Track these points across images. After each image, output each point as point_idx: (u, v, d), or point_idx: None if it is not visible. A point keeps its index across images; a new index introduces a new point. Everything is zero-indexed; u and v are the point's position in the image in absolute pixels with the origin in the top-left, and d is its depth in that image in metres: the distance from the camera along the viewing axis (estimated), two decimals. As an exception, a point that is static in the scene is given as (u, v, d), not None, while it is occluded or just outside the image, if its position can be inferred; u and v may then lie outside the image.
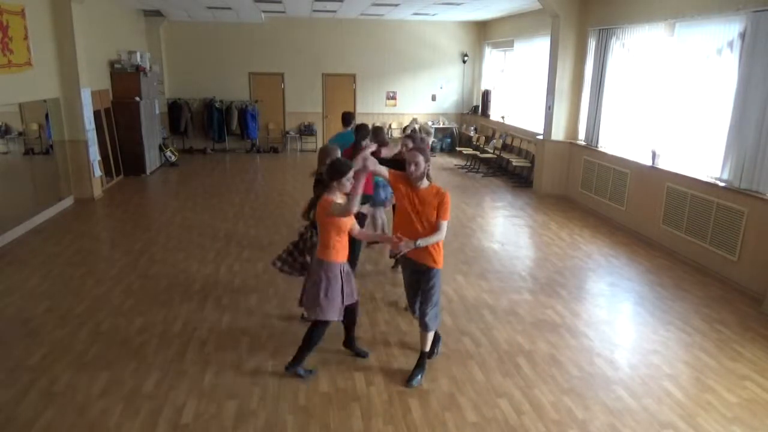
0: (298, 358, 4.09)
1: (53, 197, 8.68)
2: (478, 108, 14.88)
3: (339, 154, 4.63)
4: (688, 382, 4.16)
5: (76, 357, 4.34)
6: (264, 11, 12.84)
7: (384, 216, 6.85)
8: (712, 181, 6.43)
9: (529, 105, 11.75)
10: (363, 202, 4.60)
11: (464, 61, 15.08)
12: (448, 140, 15.16)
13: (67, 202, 8.91)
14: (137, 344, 4.55)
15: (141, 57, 11.35)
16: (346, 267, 4.02)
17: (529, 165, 11.19)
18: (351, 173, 3.78)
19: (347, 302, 4.03)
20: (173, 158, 12.73)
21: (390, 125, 14.96)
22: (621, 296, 5.79)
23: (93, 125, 9.27)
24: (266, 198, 9.66)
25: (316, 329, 4.05)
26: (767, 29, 5.61)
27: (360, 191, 3.67)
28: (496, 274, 6.27)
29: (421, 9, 12.19)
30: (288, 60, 14.44)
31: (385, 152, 5.62)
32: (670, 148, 7.33)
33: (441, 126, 15.09)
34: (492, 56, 14.47)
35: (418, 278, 4.04)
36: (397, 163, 4.46)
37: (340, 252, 3.90)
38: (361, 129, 5.95)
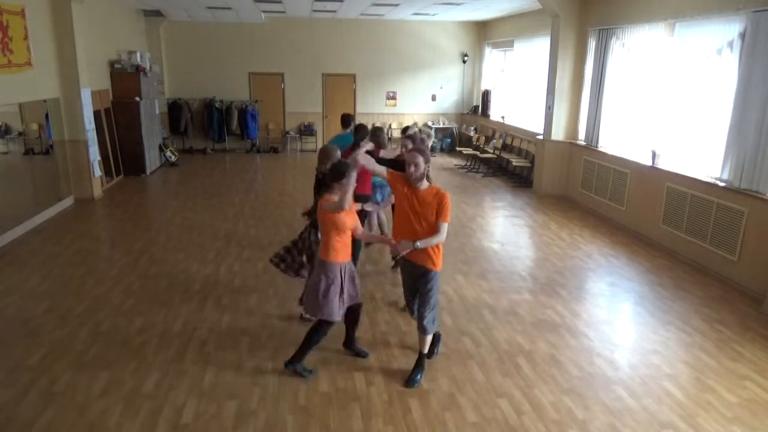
0: (298, 356, 4.10)
1: (53, 197, 8.68)
2: (478, 108, 14.88)
3: (339, 154, 4.63)
4: (688, 382, 4.16)
5: (76, 357, 4.34)
6: (264, 11, 12.84)
7: (383, 216, 6.86)
8: (712, 181, 6.43)
9: (529, 105, 11.74)
10: (362, 202, 4.61)
11: (464, 61, 15.08)
12: (448, 140, 15.16)
13: (67, 202, 8.91)
14: (137, 344, 4.55)
15: (141, 57, 11.35)
16: (349, 267, 4.01)
17: (529, 165, 11.19)
18: (353, 176, 3.79)
19: (349, 303, 4.03)
20: (173, 158, 12.73)
21: (390, 125, 14.96)
22: (621, 296, 5.79)
23: (93, 125, 9.27)
24: (266, 198, 9.66)
25: (319, 329, 4.06)
26: (767, 29, 5.61)
27: (351, 190, 3.71)
28: (496, 274, 6.27)
29: (421, 9, 12.19)
30: (288, 60, 14.44)
31: (384, 154, 5.61)
32: (670, 148, 7.33)
33: (441, 126, 15.09)
34: (492, 56, 14.47)
35: (417, 280, 4.02)
36: (397, 164, 4.46)
37: (340, 252, 3.90)
38: (360, 129, 5.95)
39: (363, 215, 5.52)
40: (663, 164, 7.36)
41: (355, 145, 5.66)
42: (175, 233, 7.55)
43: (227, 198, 9.56)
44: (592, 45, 9.11)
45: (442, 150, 14.95)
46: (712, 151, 6.52)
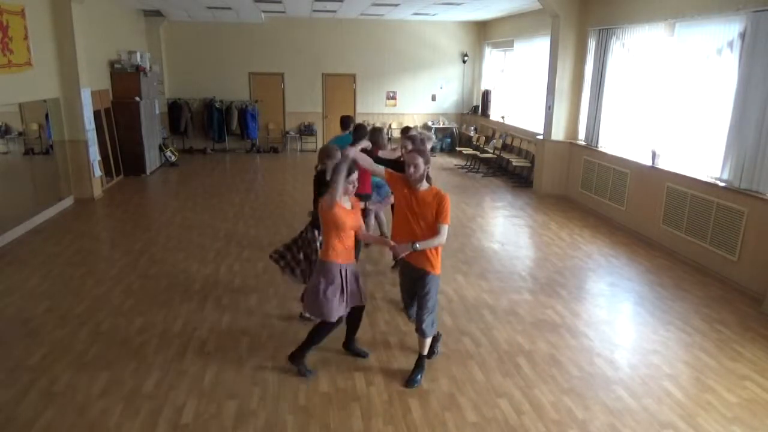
0: (299, 352, 4.12)
1: (53, 197, 8.68)
2: (478, 108, 14.88)
3: (339, 154, 4.63)
4: (688, 382, 4.16)
5: (76, 357, 4.34)
6: (264, 11, 12.84)
7: (383, 216, 6.86)
8: (712, 181, 6.43)
9: (529, 105, 11.74)
10: (362, 201, 4.60)
11: (464, 61, 15.09)
12: (448, 140, 15.16)
13: (67, 202, 8.91)
14: (137, 344, 4.55)
15: (141, 57, 11.35)
16: (351, 269, 3.98)
17: (529, 165, 11.19)
18: (354, 176, 3.79)
19: (352, 304, 4.02)
20: (173, 158, 12.73)
21: (390, 125, 14.96)
22: (621, 296, 5.79)
23: (93, 125, 9.27)
24: (266, 198, 9.66)
25: (320, 329, 4.07)
26: (767, 29, 5.62)
27: (341, 182, 3.68)
28: (496, 274, 6.27)
29: (421, 9, 12.19)
30: (288, 60, 14.44)
31: (383, 154, 5.60)
32: (670, 148, 7.33)
33: (441, 126, 15.09)
34: (492, 56, 14.47)
35: (415, 282, 4.00)
36: (396, 164, 4.46)
37: (340, 253, 3.88)
38: (359, 129, 5.95)
39: (363, 214, 5.52)
40: (663, 164, 7.36)
41: (354, 145, 5.66)
42: (175, 233, 7.55)
43: (227, 198, 9.56)
44: (592, 45, 9.11)
45: (442, 150, 14.95)
46: (712, 151, 6.52)
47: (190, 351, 4.45)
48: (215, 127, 14.18)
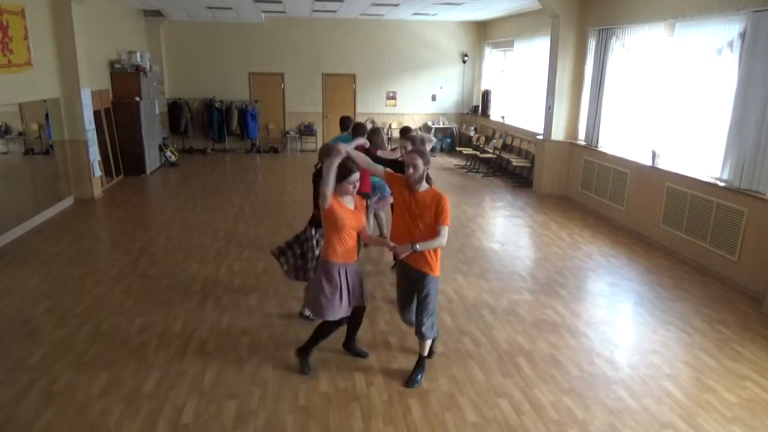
0: (306, 348, 4.18)
1: (53, 197, 8.68)
2: (478, 108, 14.88)
3: None
4: (688, 382, 4.16)
5: (76, 357, 4.34)
6: (264, 11, 12.84)
7: (383, 216, 6.85)
8: (712, 181, 6.43)
9: (529, 105, 11.75)
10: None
11: (464, 61, 15.09)
12: (448, 140, 15.16)
13: (67, 202, 8.91)
14: (137, 344, 4.55)
15: (141, 57, 11.35)
16: (351, 269, 3.97)
17: (529, 165, 11.19)
18: (355, 176, 3.79)
19: (354, 304, 4.02)
20: (173, 158, 12.73)
21: (390, 125, 14.97)
22: (621, 296, 5.79)
23: (93, 125, 9.27)
24: (266, 198, 9.66)
25: (324, 327, 4.11)
26: (767, 29, 5.62)
27: (332, 176, 3.67)
28: (496, 274, 6.27)
29: (421, 9, 12.19)
30: (288, 60, 14.44)
31: (382, 154, 5.60)
32: (670, 148, 7.33)
33: (441, 126, 15.09)
34: (492, 56, 14.47)
35: (414, 284, 3.97)
36: (396, 164, 4.45)
37: (339, 252, 3.87)
38: (359, 128, 5.95)
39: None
40: (663, 164, 7.36)
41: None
42: (175, 233, 7.55)
43: (227, 198, 9.56)
44: (592, 45, 9.11)
45: (442, 150, 14.95)
46: (712, 151, 6.52)
47: (190, 351, 4.45)
48: (215, 127, 14.19)
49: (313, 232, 4.69)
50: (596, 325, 5.08)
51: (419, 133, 6.10)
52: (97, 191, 9.44)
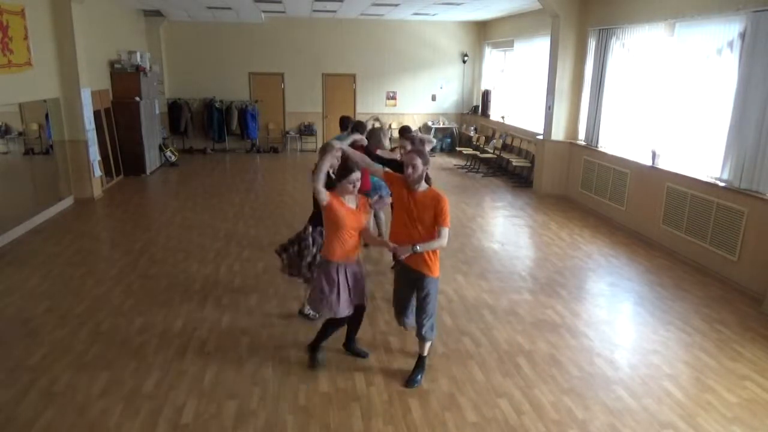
0: (314, 343, 4.27)
1: (53, 197, 8.68)
2: (478, 108, 14.88)
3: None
4: (688, 382, 4.16)
5: (76, 357, 4.34)
6: (264, 11, 12.84)
7: (383, 215, 6.85)
8: (712, 181, 6.43)
9: (529, 105, 11.74)
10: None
11: (464, 61, 15.09)
12: (448, 140, 15.16)
13: (67, 202, 8.91)
14: (137, 344, 4.55)
15: (141, 57, 11.35)
16: (351, 268, 3.98)
17: (529, 165, 11.19)
18: (355, 176, 3.79)
19: (355, 302, 4.03)
20: (173, 158, 12.73)
21: (390, 125, 14.96)
22: (621, 296, 5.79)
23: (93, 125, 9.27)
24: (266, 198, 9.66)
25: (328, 324, 4.17)
26: (767, 29, 5.61)
27: (324, 170, 3.75)
28: (496, 274, 6.27)
29: (421, 9, 12.19)
30: (288, 60, 14.44)
31: (382, 154, 5.59)
32: (670, 148, 7.33)
33: (441, 126, 15.09)
34: (492, 56, 14.47)
35: (413, 286, 3.95)
36: (396, 165, 4.44)
37: (337, 251, 3.88)
38: (358, 126, 5.96)
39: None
40: (663, 164, 7.36)
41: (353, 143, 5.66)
42: (175, 233, 7.55)
43: (227, 198, 9.56)
44: (592, 45, 9.11)
45: (442, 150, 14.95)
46: (712, 151, 6.52)
47: (190, 351, 4.45)
48: (215, 127, 14.18)
49: (311, 230, 4.73)
50: (596, 325, 5.08)
51: (419, 134, 6.10)
52: (97, 191, 9.44)
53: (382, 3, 11.32)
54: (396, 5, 11.60)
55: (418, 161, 3.72)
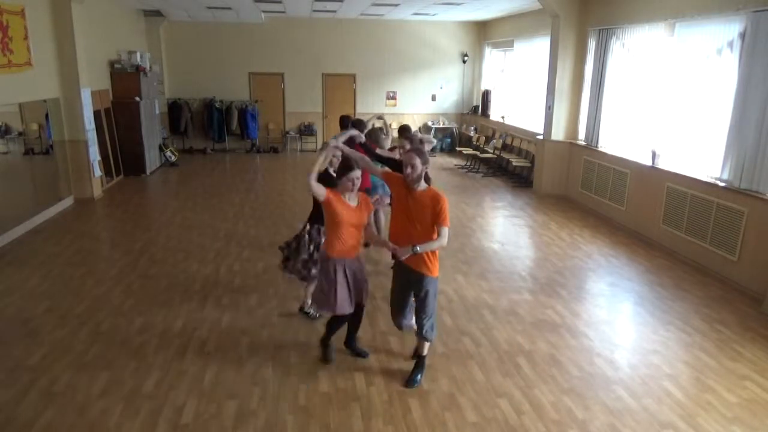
0: (324, 339, 4.34)
1: (53, 197, 8.68)
2: (478, 108, 14.88)
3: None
4: (688, 382, 4.16)
5: (76, 357, 4.34)
6: (264, 11, 12.84)
7: (382, 215, 6.85)
8: (712, 181, 6.43)
9: (529, 105, 11.74)
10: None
11: (464, 61, 15.08)
12: (448, 140, 15.16)
13: (67, 202, 8.91)
14: (137, 344, 4.55)
15: (141, 57, 11.35)
16: (350, 266, 4.00)
17: (529, 165, 11.19)
18: (355, 173, 3.81)
19: (355, 300, 4.06)
20: (173, 158, 12.73)
21: (390, 125, 14.93)
22: (621, 296, 5.79)
23: (93, 125, 9.27)
24: (266, 198, 9.66)
25: (331, 320, 4.24)
26: (767, 29, 5.61)
27: (317, 166, 3.88)
28: (496, 274, 6.27)
29: (421, 9, 12.19)
30: (288, 60, 14.44)
31: (381, 153, 5.60)
32: (670, 148, 7.33)
33: (441, 126, 15.09)
34: (492, 56, 14.47)
35: (411, 286, 3.94)
36: (396, 164, 4.44)
37: (335, 247, 3.91)
38: (358, 125, 5.96)
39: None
40: (663, 164, 7.36)
41: (353, 141, 5.66)
42: (175, 233, 7.55)
43: (227, 198, 9.56)
44: (592, 45, 9.11)
45: (442, 150, 14.95)
46: (712, 151, 6.52)
47: (190, 351, 4.45)
48: (215, 127, 14.18)
49: (308, 227, 4.83)
50: (596, 325, 5.08)
51: (419, 134, 6.09)
52: (97, 191, 9.44)
53: (382, 3, 11.32)
54: (396, 5, 11.60)
55: (417, 161, 3.70)
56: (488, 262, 6.64)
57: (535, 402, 3.87)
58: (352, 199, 3.90)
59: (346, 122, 6.87)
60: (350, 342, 4.43)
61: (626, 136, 8.41)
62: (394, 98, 15.08)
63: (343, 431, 3.54)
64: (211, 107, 14.10)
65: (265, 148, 14.69)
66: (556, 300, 5.59)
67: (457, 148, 14.58)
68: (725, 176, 6.20)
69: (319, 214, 4.57)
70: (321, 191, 3.79)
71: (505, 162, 12.15)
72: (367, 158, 4.16)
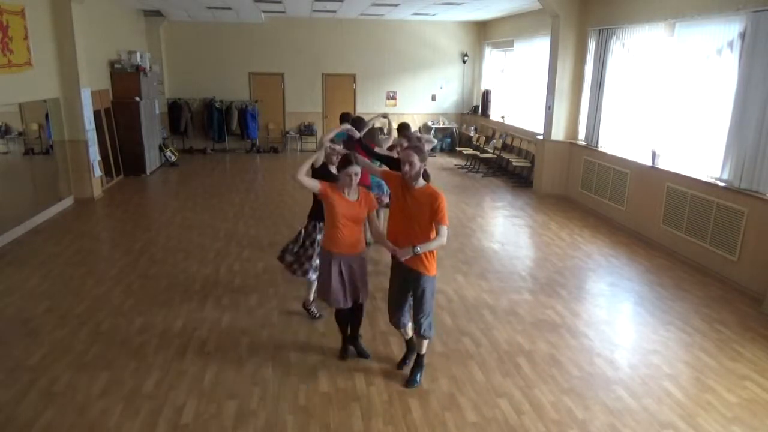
0: (344, 335, 4.41)
1: (53, 197, 8.68)
2: (478, 108, 14.88)
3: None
4: (688, 382, 4.16)
5: (76, 357, 4.34)
6: (264, 11, 12.84)
7: (382, 213, 6.85)
8: (712, 181, 6.43)
9: (529, 105, 11.74)
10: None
11: (464, 61, 15.08)
12: (448, 140, 15.16)
13: (67, 202, 8.91)
14: (137, 344, 4.55)
15: (141, 57, 11.35)
16: (348, 261, 4.01)
17: (529, 165, 11.19)
18: (353, 168, 3.85)
19: (352, 297, 4.09)
20: (173, 158, 12.73)
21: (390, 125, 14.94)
22: (621, 296, 5.79)
23: (93, 125, 9.27)
24: (266, 198, 9.66)
25: (336, 315, 4.31)
26: (767, 29, 5.61)
27: (309, 162, 4.08)
28: (496, 274, 6.27)
29: (421, 9, 12.19)
30: (288, 60, 14.44)
31: (380, 152, 5.60)
32: (670, 148, 7.33)
33: (441, 126, 15.09)
34: (492, 56, 14.47)
35: (409, 285, 3.92)
36: (394, 163, 4.44)
37: (334, 242, 3.97)
38: (357, 123, 5.97)
39: None
40: (663, 164, 7.36)
41: (351, 139, 5.66)
42: (175, 233, 7.55)
43: (227, 198, 9.56)
44: (592, 45, 9.10)
45: (442, 150, 14.95)
46: (712, 151, 6.52)
47: (190, 351, 4.45)
48: (215, 127, 14.18)
49: (306, 222, 4.90)
50: (596, 325, 5.08)
51: (419, 134, 6.10)
52: (97, 191, 9.44)
53: (382, 3, 11.32)
54: (396, 5, 11.60)
55: (415, 158, 3.68)
56: (488, 262, 6.64)
57: (535, 402, 3.87)
58: (351, 194, 3.94)
59: (346, 119, 6.86)
60: (352, 340, 4.44)
61: (626, 136, 8.41)
62: (394, 98, 15.08)
63: (343, 431, 3.54)
64: (211, 107, 14.10)
65: (265, 148, 14.69)
66: (556, 300, 5.59)
67: (457, 148, 14.58)
68: (725, 176, 6.20)
69: (318, 210, 4.60)
70: (314, 183, 3.89)
71: (505, 162, 12.15)
72: (366, 160, 4.18)
